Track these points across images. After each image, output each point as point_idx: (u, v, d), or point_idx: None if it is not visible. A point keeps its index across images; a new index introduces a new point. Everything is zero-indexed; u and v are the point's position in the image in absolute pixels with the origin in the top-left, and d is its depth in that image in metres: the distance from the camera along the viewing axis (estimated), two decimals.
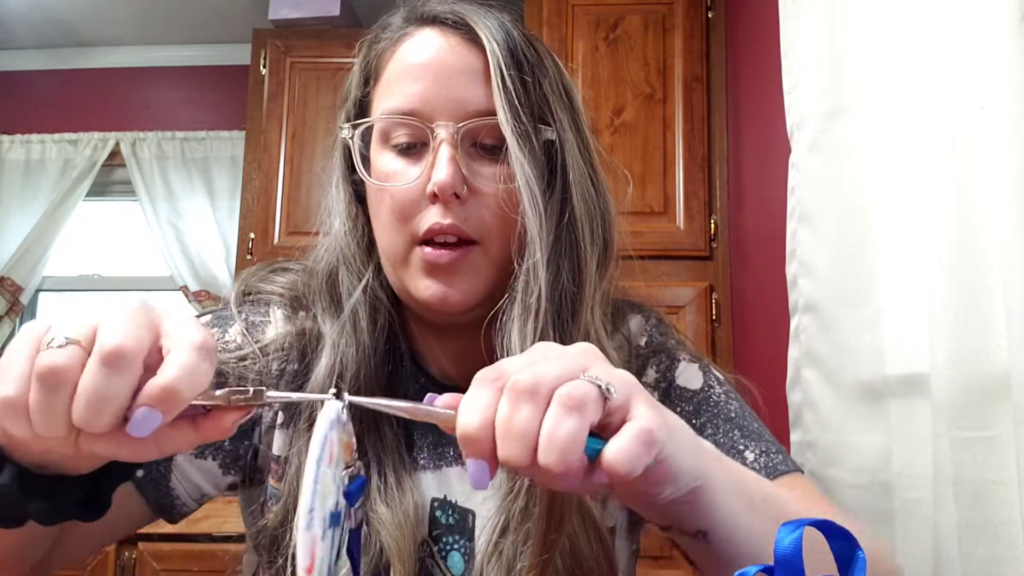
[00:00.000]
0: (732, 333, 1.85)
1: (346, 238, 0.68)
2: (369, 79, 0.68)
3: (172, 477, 0.64)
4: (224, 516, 1.74)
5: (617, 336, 0.72)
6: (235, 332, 0.68)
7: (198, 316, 0.71)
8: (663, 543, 1.74)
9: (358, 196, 0.70)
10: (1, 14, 2.69)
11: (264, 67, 2.37)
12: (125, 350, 0.36)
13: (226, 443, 0.66)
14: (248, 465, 0.68)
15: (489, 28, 0.63)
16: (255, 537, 0.67)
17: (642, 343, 0.74)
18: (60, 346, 0.37)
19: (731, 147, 1.92)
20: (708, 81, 1.97)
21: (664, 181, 1.92)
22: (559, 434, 0.37)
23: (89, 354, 0.37)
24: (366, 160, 0.66)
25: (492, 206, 0.62)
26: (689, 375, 0.72)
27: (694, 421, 0.69)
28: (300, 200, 2.27)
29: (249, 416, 0.42)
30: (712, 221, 1.90)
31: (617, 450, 0.38)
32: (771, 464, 0.65)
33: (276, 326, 0.69)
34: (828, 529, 0.39)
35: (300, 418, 0.64)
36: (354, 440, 0.43)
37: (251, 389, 0.40)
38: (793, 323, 1.18)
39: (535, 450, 0.37)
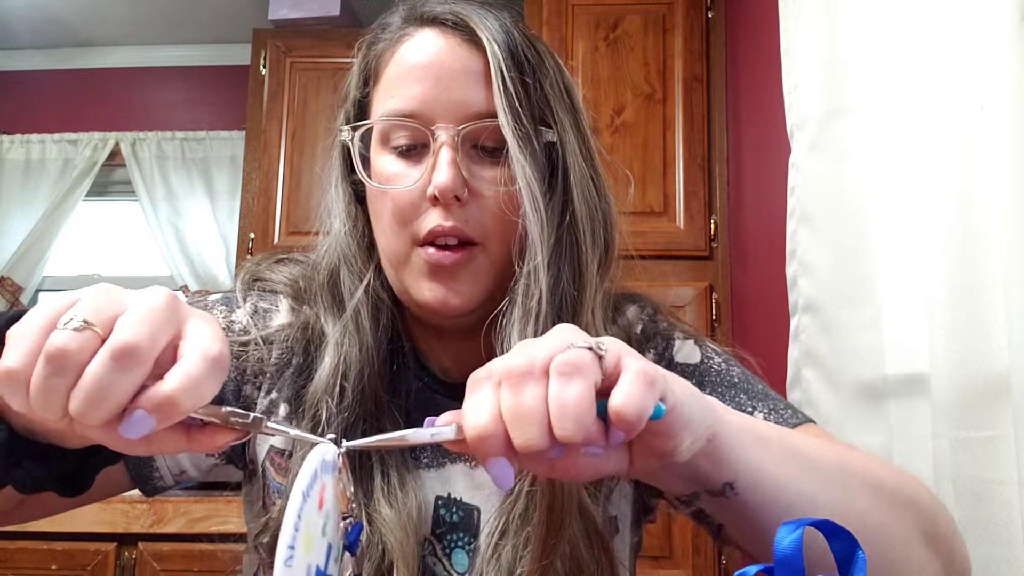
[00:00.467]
0: (732, 333, 1.85)
1: (346, 239, 0.68)
2: (368, 80, 0.68)
3: None
4: (224, 516, 1.74)
5: (614, 329, 0.72)
6: (242, 314, 0.68)
7: (211, 295, 0.71)
8: (662, 543, 1.74)
9: (358, 196, 0.69)
10: (1, 14, 2.69)
11: (264, 67, 2.37)
12: (139, 348, 0.36)
13: None
14: (237, 453, 0.68)
15: (490, 29, 0.62)
16: (256, 537, 0.67)
17: (638, 331, 0.74)
18: (76, 328, 0.36)
19: (731, 147, 1.92)
20: (708, 81, 1.97)
21: (664, 181, 1.92)
22: (569, 401, 0.37)
23: (103, 342, 0.36)
24: (366, 161, 0.66)
25: (493, 208, 0.62)
26: (687, 351, 0.72)
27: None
28: (300, 200, 2.27)
29: (242, 440, 0.41)
30: (712, 221, 1.90)
31: (624, 395, 0.37)
32: (782, 419, 0.64)
33: (282, 315, 0.69)
34: (828, 529, 0.39)
35: (305, 417, 0.64)
36: (351, 489, 0.42)
37: (251, 416, 0.40)
38: (793, 323, 1.18)
39: (550, 430, 0.37)
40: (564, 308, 0.62)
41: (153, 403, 0.36)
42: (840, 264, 1.06)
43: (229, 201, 2.71)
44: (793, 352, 1.18)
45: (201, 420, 0.39)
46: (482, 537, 0.63)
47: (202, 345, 0.38)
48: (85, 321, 0.37)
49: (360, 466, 0.63)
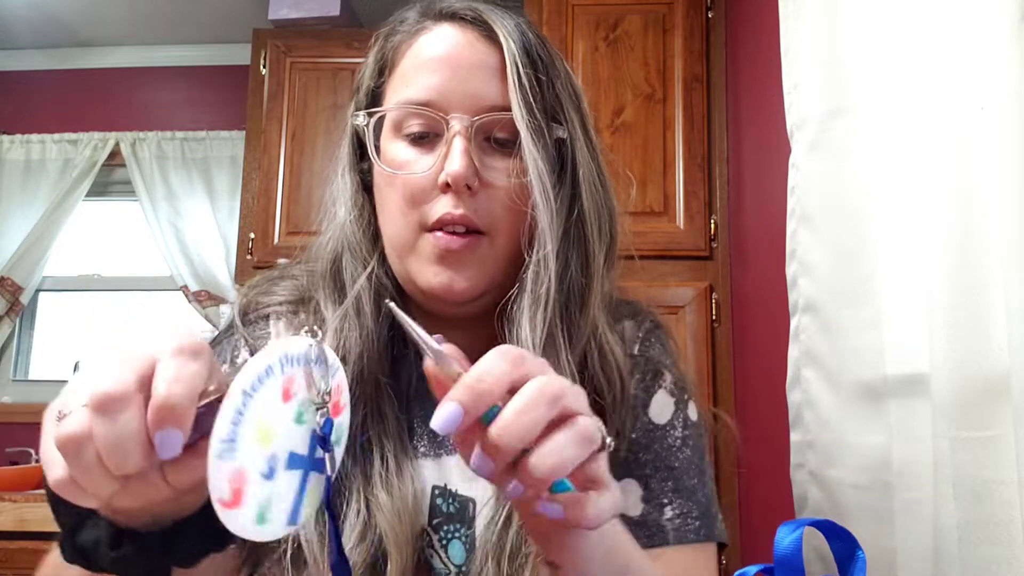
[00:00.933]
0: (732, 333, 1.85)
1: (352, 226, 0.69)
2: (384, 70, 0.69)
3: None
4: None
5: (613, 337, 0.72)
6: (242, 359, 0.69)
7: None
8: None
9: (365, 185, 0.70)
10: (1, 14, 2.69)
11: (264, 67, 2.37)
12: (109, 394, 0.36)
13: None
14: None
15: (506, 27, 0.65)
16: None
17: (635, 350, 0.74)
18: (67, 413, 0.38)
19: (731, 147, 1.92)
20: (708, 81, 1.97)
21: (664, 181, 1.91)
22: (564, 455, 0.39)
23: None
24: (376, 148, 0.68)
25: (501, 199, 0.63)
26: (659, 407, 0.72)
27: (640, 455, 0.70)
28: (300, 200, 2.27)
29: None
30: (712, 221, 1.90)
31: (599, 508, 0.40)
32: (684, 528, 0.67)
33: (279, 337, 0.70)
34: (828, 529, 0.39)
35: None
36: (325, 384, 0.41)
37: (243, 368, 0.39)
38: (793, 323, 1.18)
39: (522, 448, 0.39)
40: (572, 297, 0.64)
41: (155, 420, 0.36)
42: (840, 264, 1.06)
43: (229, 201, 2.71)
44: (793, 352, 1.18)
45: (220, 401, 0.39)
46: (478, 530, 0.64)
47: (163, 349, 0.38)
48: (74, 405, 0.38)
49: (361, 451, 0.63)
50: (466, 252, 0.63)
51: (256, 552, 0.60)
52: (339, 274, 0.68)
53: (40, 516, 1.73)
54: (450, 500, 0.66)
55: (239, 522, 0.36)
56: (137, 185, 2.73)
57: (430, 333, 0.71)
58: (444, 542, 0.65)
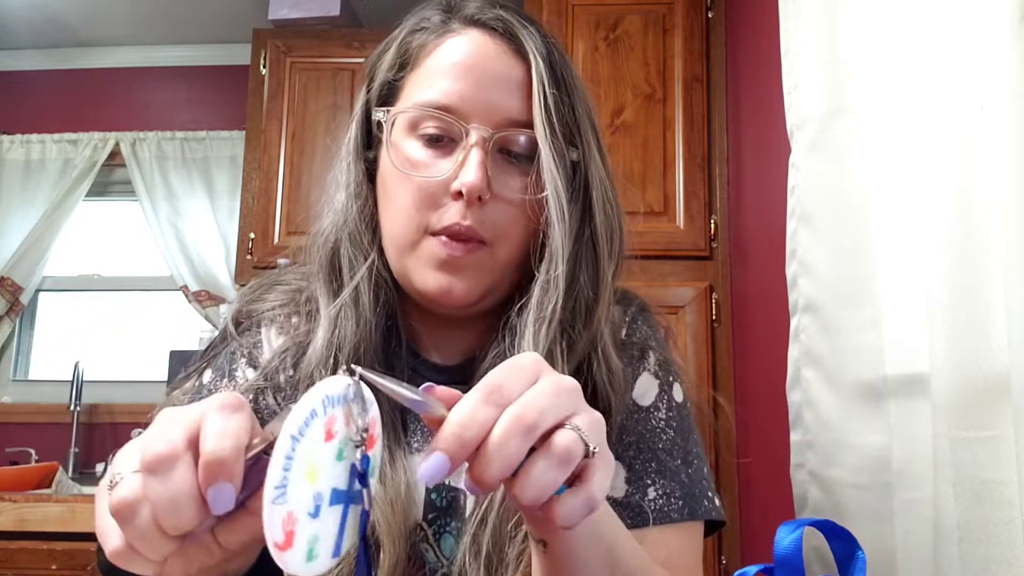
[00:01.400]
0: (732, 333, 1.85)
1: (355, 215, 0.69)
2: (405, 65, 0.69)
3: None
4: None
5: (609, 327, 0.73)
6: (241, 373, 0.69)
7: (198, 368, 0.72)
8: None
9: (369, 175, 0.70)
10: (1, 14, 2.69)
11: (264, 67, 2.37)
12: (160, 454, 0.37)
13: None
14: None
15: (535, 43, 0.65)
16: None
17: (622, 335, 0.75)
18: (120, 480, 0.38)
19: (731, 147, 1.92)
20: (708, 81, 1.97)
21: (664, 181, 1.91)
22: (543, 480, 0.39)
23: None
24: (388, 141, 0.67)
25: (510, 212, 0.64)
26: (644, 389, 0.73)
27: (624, 437, 0.70)
28: (300, 200, 2.27)
29: None
30: (712, 221, 1.90)
31: (569, 510, 0.40)
32: (666, 508, 0.67)
33: (271, 345, 0.70)
34: (828, 529, 0.39)
35: (300, 389, 0.65)
36: (363, 420, 0.42)
37: (280, 416, 0.40)
38: (793, 323, 1.18)
39: (508, 477, 0.39)
40: (579, 312, 0.64)
41: (205, 476, 0.37)
42: (840, 264, 1.06)
43: (229, 201, 2.71)
44: (793, 352, 1.18)
45: (269, 450, 0.39)
46: (469, 517, 0.64)
47: (206, 408, 0.39)
48: (125, 471, 0.39)
49: None
50: (467, 259, 0.63)
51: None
52: (337, 263, 0.68)
53: (40, 516, 1.73)
54: (443, 494, 0.66)
55: (292, 563, 0.37)
56: (137, 185, 2.73)
57: (430, 332, 0.72)
58: (437, 536, 0.65)
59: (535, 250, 0.65)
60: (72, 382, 2.47)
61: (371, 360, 0.65)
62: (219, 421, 0.38)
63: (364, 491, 0.41)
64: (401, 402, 0.41)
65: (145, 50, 2.89)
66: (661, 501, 0.67)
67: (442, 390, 0.42)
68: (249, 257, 2.28)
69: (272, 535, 0.36)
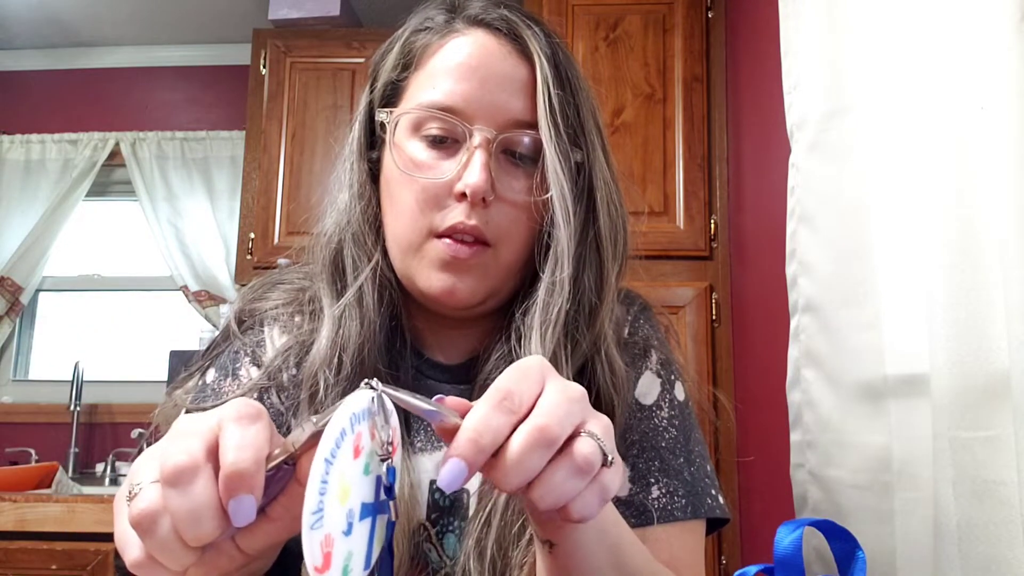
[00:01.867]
0: (732, 333, 1.85)
1: (359, 215, 0.68)
2: (409, 65, 0.68)
3: None
4: None
5: (612, 327, 0.73)
6: (245, 371, 0.69)
7: (201, 367, 0.71)
8: None
9: (372, 175, 0.70)
10: (1, 14, 2.69)
11: (264, 67, 2.37)
12: (179, 466, 0.37)
13: None
14: None
15: (539, 44, 0.65)
16: None
17: (625, 333, 0.75)
18: (139, 492, 0.38)
19: (731, 147, 1.92)
20: (708, 81, 1.97)
21: (664, 181, 1.92)
22: (566, 489, 0.39)
23: None
24: (391, 142, 0.67)
25: (512, 214, 0.64)
26: (647, 388, 0.73)
27: (627, 436, 0.70)
28: (300, 200, 2.27)
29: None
30: (712, 221, 1.90)
31: (584, 506, 0.40)
32: (669, 507, 0.67)
33: (273, 343, 0.70)
34: (828, 529, 0.39)
35: (303, 389, 0.65)
36: (387, 433, 0.42)
37: (302, 427, 0.40)
38: (793, 323, 1.18)
39: (526, 486, 0.39)
40: (582, 314, 0.64)
41: (226, 488, 0.37)
42: (840, 264, 1.06)
43: (229, 201, 2.71)
44: (793, 352, 1.18)
45: (290, 460, 0.39)
46: (473, 517, 0.64)
47: (223, 419, 0.39)
48: (144, 481, 0.39)
49: None
50: (471, 261, 0.63)
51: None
52: (340, 263, 0.68)
53: (40, 516, 1.73)
54: (446, 494, 0.66)
55: None
56: (137, 185, 2.73)
57: (433, 332, 0.72)
58: (440, 536, 0.65)
59: (539, 251, 0.65)
60: (72, 382, 2.47)
61: (375, 360, 0.65)
62: (238, 432, 0.38)
63: (391, 502, 0.41)
64: (417, 413, 0.41)
65: (145, 50, 2.89)
66: (664, 500, 0.67)
67: (452, 400, 0.42)
68: (249, 257, 2.28)
69: (312, 560, 0.36)
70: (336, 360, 0.63)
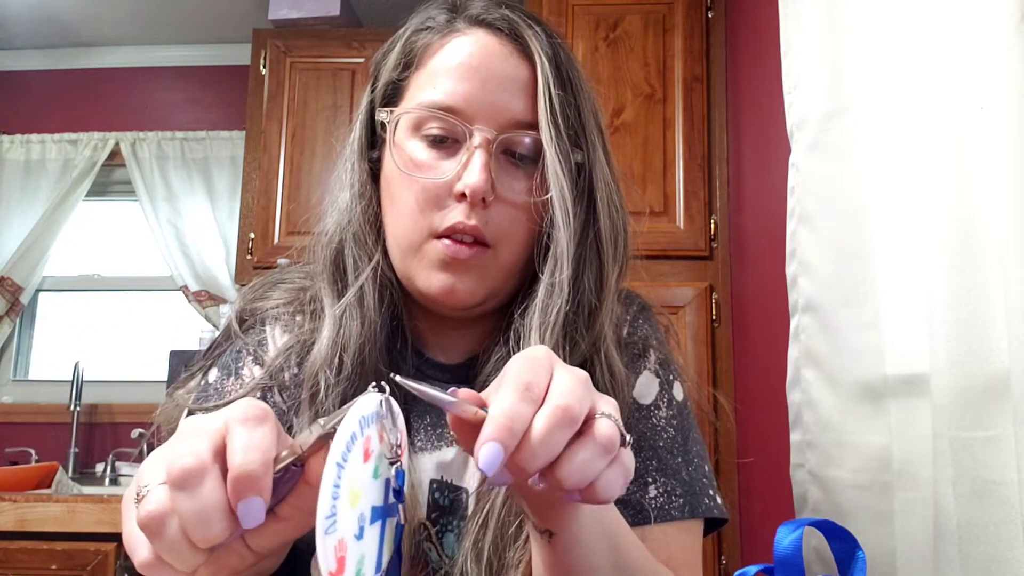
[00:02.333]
0: (732, 333, 1.85)
1: (360, 215, 0.68)
2: (410, 65, 0.68)
3: None
4: None
5: (611, 327, 0.73)
6: (248, 371, 0.69)
7: (202, 367, 0.71)
8: None
9: (373, 175, 0.70)
10: (1, 14, 2.69)
11: (264, 67, 2.37)
12: (187, 468, 0.37)
13: None
14: None
15: (540, 44, 0.64)
16: None
17: (624, 332, 0.75)
18: (147, 493, 0.38)
19: (731, 147, 1.92)
20: (708, 81, 1.97)
21: (664, 181, 1.92)
22: (591, 468, 0.40)
23: None
24: (392, 142, 0.67)
25: (512, 214, 0.64)
26: (645, 388, 0.73)
27: (623, 435, 0.69)
28: (300, 200, 2.27)
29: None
30: (712, 221, 1.90)
31: (608, 484, 0.41)
32: (666, 506, 0.67)
33: (275, 343, 0.70)
34: (828, 529, 0.39)
35: (304, 389, 0.65)
36: (396, 436, 0.42)
37: (310, 430, 0.40)
38: (793, 323, 1.18)
39: (551, 466, 0.40)
40: (581, 315, 0.64)
41: (235, 491, 0.37)
42: (840, 264, 1.06)
43: (229, 201, 2.71)
44: (793, 352, 1.18)
45: (298, 462, 0.40)
46: (470, 517, 0.64)
47: (230, 420, 0.39)
48: (151, 483, 0.38)
49: None
50: (471, 261, 0.63)
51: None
52: (341, 263, 0.68)
53: (40, 516, 1.73)
54: (446, 493, 0.66)
55: None
56: (137, 185, 2.73)
57: (434, 332, 0.72)
58: (440, 535, 0.65)
59: (539, 252, 0.65)
60: (72, 382, 2.47)
61: (376, 360, 0.65)
62: (245, 434, 0.38)
63: (400, 505, 0.42)
64: (434, 403, 0.41)
65: (145, 50, 2.89)
66: (662, 499, 0.67)
67: (465, 392, 0.42)
68: (249, 257, 2.28)
69: (327, 565, 0.36)
70: (337, 360, 0.63)
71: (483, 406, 0.41)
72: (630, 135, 1.93)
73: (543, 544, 0.50)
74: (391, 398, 0.41)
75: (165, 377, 2.31)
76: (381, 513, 0.41)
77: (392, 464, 0.41)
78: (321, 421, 0.39)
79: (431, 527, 0.65)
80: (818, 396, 1.10)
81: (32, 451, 2.49)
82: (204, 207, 2.72)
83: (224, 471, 0.37)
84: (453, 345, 0.72)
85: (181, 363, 2.08)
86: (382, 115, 0.67)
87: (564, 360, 0.62)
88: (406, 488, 0.49)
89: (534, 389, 0.40)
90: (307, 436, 0.39)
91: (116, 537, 1.74)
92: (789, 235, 1.20)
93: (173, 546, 0.37)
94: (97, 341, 2.82)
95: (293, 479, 0.40)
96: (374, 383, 0.42)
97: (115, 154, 2.77)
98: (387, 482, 0.41)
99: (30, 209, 2.74)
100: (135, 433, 2.45)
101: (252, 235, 2.28)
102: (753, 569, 0.38)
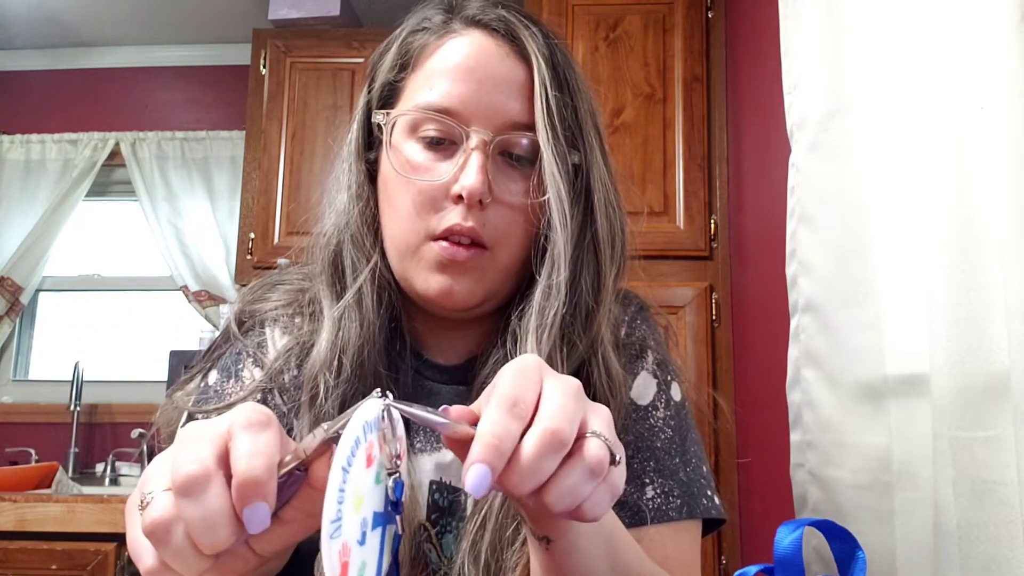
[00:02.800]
0: (732, 333, 1.85)
1: (358, 217, 0.68)
2: (406, 66, 0.68)
3: None
4: None
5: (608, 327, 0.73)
6: (248, 373, 0.69)
7: (202, 369, 0.71)
8: None
9: (370, 176, 0.70)
10: (1, 14, 2.69)
11: (264, 67, 2.37)
12: (192, 475, 0.37)
13: None
14: None
15: (537, 45, 0.64)
16: None
17: (622, 332, 0.75)
18: (150, 501, 0.38)
19: (731, 147, 1.92)
20: (708, 81, 1.97)
21: (664, 181, 1.92)
22: (579, 491, 0.39)
23: None
24: (388, 143, 0.67)
25: (509, 216, 0.64)
26: (642, 390, 0.73)
27: (622, 436, 0.69)
28: (300, 200, 2.27)
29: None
30: (712, 221, 1.90)
31: (596, 504, 0.41)
32: (664, 507, 0.67)
33: (275, 345, 0.70)
34: (828, 529, 0.39)
35: (304, 392, 0.65)
36: (396, 446, 0.42)
37: (313, 434, 0.40)
38: (793, 323, 1.18)
39: (539, 488, 0.39)
40: (579, 317, 0.64)
41: (241, 496, 0.37)
42: (840, 264, 1.06)
43: (229, 201, 2.71)
44: (793, 352, 1.18)
45: (302, 467, 0.40)
46: (468, 517, 0.64)
47: (234, 425, 0.39)
48: (155, 490, 0.38)
49: None
50: (468, 263, 0.63)
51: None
52: (340, 265, 0.68)
53: (40, 516, 1.73)
54: (445, 494, 0.66)
55: None
56: (137, 185, 2.73)
57: (432, 334, 0.72)
58: (439, 536, 0.65)
59: (537, 253, 0.65)
60: (72, 382, 2.47)
61: (375, 362, 0.65)
62: (249, 440, 0.38)
63: (398, 516, 0.42)
64: (426, 425, 0.42)
65: (145, 50, 2.89)
66: (659, 500, 0.67)
67: (457, 410, 0.42)
68: (249, 257, 2.28)
69: (331, 570, 0.36)
70: (336, 363, 0.63)
71: (475, 421, 0.41)
72: (630, 135, 1.93)
73: (541, 550, 0.50)
74: (392, 406, 0.41)
75: (165, 377, 2.31)
76: (382, 519, 0.41)
77: (390, 475, 0.41)
78: (325, 425, 0.39)
79: (431, 528, 0.65)
80: (818, 396, 1.10)
81: (32, 451, 2.49)
82: (204, 207, 2.72)
83: (228, 477, 0.37)
84: (452, 346, 0.72)
85: (181, 363, 2.08)
86: (378, 117, 0.67)
87: (561, 363, 0.62)
88: (407, 491, 0.49)
89: (521, 405, 0.40)
90: (311, 440, 0.39)
91: (116, 537, 1.74)
92: (789, 235, 1.20)
93: (179, 553, 0.37)
94: (97, 341, 2.82)
95: (297, 483, 0.40)
96: (378, 390, 0.42)
97: (115, 154, 2.77)
98: (385, 489, 0.42)
99: (30, 209, 2.74)
100: (135, 433, 2.45)
101: (252, 235, 2.28)
102: (753, 569, 0.38)
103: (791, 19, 1.21)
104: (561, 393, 0.41)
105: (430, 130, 0.64)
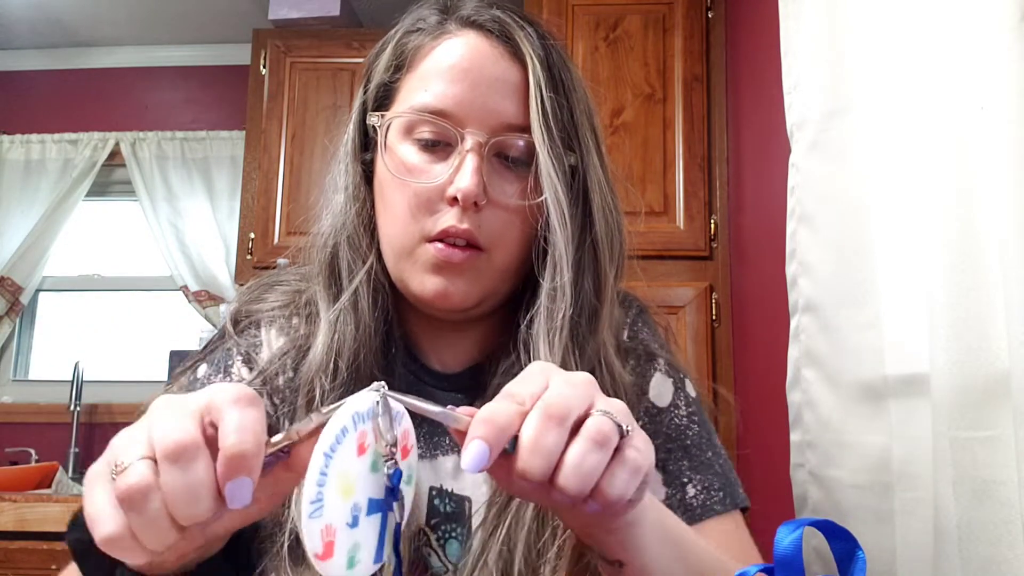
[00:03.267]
0: (732, 333, 1.85)
1: (354, 218, 0.68)
2: (401, 67, 0.68)
3: None
4: None
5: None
6: (236, 370, 0.69)
7: (194, 364, 0.71)
8: None
9: (366, 176, 0.70)
10: (1, 14, 2.69)
11: (264, 67, 2.37)
12: (180, 443, 0.37)
13: None
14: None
15: (532, 46, 0.64)
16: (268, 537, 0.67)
17: (624, 336, 0.75)
18: (128, 466, 0.37)
19: (731, 147, 1.92)
20: (708, 81, 1.97)
21: (664, 181, 1.92)
22: (586, 465, 0.39)
23: (155, 460, 0.37)
24: (384, 145, 0.67)
25: (505, 217, 0.63)
26: (660, 391, 0.73)
27: (651, 440, 0.69)
28: (300, 200, 2.27)
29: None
30: (712, 221, 1.90)
31: (620, 482, 0.40)
32: (708, 502, 0.68)
33: (271, 346, 0.70)
34: (828, 529, 0.39)
35: (300, 395, 0.65)
36: (390, 436, 0.42)
37: (309, 417, 0.41)
38: (793, 323, 1.18)
39: (552, 470, 0.39)
40: (584, 320, 0.64)
41: (227, 469, 0.37)
42: (840, 264, 1.06)
43: (229, 201, 2.71)
44: (793, 352, 1.18)
45: (283, 450, 0.40)
46: (474, 528, 0.64)
47: (222, 400, 0.39)
48: (131, 456, 0.38)
49: None
50: (464, 265, 0.63)
51: (258, 551, 0.60)
52: (336, 266, 0.68)
53: (40, 516, 1.73)
54: (447, 500, 0.66)
55: (332, 571, 0.38)
56: (137, 185, 2.73)
57: (429, 337, 0.72)
58: (442, 541, 0.65)
59: (536, 255, 0.65)
60: (72, 382, 2.47)
61: (371, 365, 0.65)
62: (237, 414, 0.38)
63: (396, 504, 0.42)
64: (427, 416, 0.42)
65: (145, 50, 2.89)
66: (702, 496, 0.68)
67: (462, 409, 0.42)
68: (249, 257, 2.28)
69: (312, 547, 0.37)
70: (332, 366, 0.63)
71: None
72: (630, 135, 1.93)
73: (615, 574, 0.49)
74: (388, 398, 0.41)
75: (165, 377, 2.31)
76: (382, 507, 0.41)
77: (387, 463, 0.41)
78: (324, 410, 0.40)
79: (430, 533, 0.65)
80: (818, 396, 1.10)
81: (32, 451, 2.49)
82: (204, 207, 2.72)
83: (212, 451, 0.37)
84: (450, 349, 0.72)
85: (181, 363, 2.07)
86: (373, 119, 0.67)
87: (575, 366, 0.62)
88: (412, 488, 0.49)
89: (518, 396, 0.40)
90: (306, 424, 0.40)
91: None
92: (789, 235, 1.20)
93: (152, 522, 0.37)
94: (97, 341, 2.82)
95: (270, 465, 0.40)
96: (377, 384, 0.42)
97: (115, 154, 2.77)
98: (380, 479, 0.42)
99: (30, 209, 2.74)
100: None
101: (252, 235, 2.28)
102: (753, 569, 0.38)
103: (791, 19, 1.21)
104: (563, 382, 0.42)
105: (425, 132, 0.64)
